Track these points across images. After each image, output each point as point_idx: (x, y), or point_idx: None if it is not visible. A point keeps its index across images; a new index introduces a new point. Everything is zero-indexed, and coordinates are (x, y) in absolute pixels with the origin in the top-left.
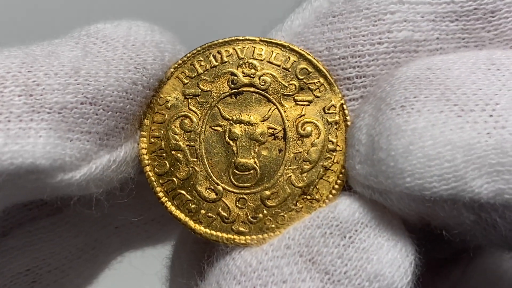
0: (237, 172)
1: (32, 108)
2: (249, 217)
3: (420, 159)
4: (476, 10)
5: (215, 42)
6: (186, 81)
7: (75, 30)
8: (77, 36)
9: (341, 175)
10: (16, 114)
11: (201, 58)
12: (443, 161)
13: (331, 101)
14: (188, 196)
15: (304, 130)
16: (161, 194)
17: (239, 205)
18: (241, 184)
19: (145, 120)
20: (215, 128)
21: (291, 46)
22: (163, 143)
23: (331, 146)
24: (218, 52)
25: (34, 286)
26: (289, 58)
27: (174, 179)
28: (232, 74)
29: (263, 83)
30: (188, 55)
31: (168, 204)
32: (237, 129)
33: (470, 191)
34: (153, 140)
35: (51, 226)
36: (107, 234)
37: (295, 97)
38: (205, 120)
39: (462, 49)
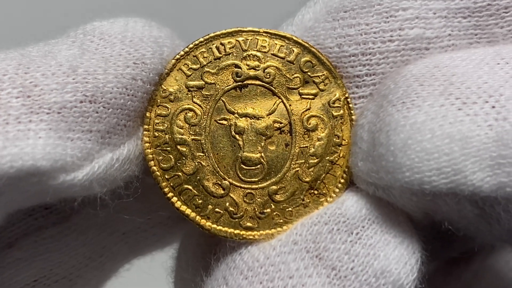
0: (244, 166)
1: (30, 109)
2: (257, 212)
3: (418, 153)
4: (490, 6)
5: (218, 33)
6: (189, 73)
7: (71, 30)
8: (73, 35)
9: (347, 169)
10: (14, 116)
11: (204, 50)
12: (442, 155)
13: (335, 94)
14: (195, 191)
15: (310, 124)
16: (167, 190)
17: (247, 200)
18: (248, 179)
19: (148, 113)
20: (221, 121)
21: (294, 38)
22: (167, 137)
23: (336, 140)
24: (221, 44)
25: None
26: (293, 50)
27: (180, 174)
28: (236, 66)
29: (268, 76)
30: (190, 46)
31: (175, 199)
32: (243, 123)
33: (471, 184)
34: (157, 134)
35: (58, 235)
36: (115, 241)
37: (300, 91)
38: (210, 114)
39: (475, 45)
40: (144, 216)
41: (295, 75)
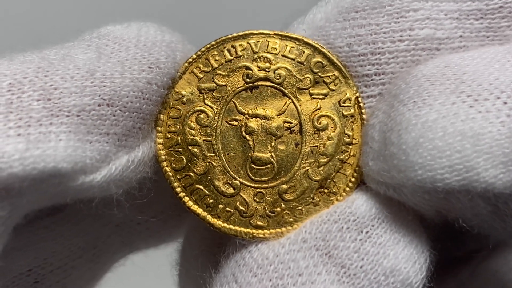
0: (254, 166)
1: (51, 112)
2: (267, 211)
3: (430, 151)
4: (502, 8)
5: (229, 36)
6: (201, 76)
7: (85, 33)
8: (88, 38)
9: (357, 168)
10: (35, 118)
11: (216, 53)
12: (454, 152)
13: (346, 94)
14: (206, 191)
15: (320, 123)
16: (178, 189)
17: (257, 199)
18: (258, 178)
19: (161, 115)
20: (231, 122)
21: (305, 40)
22: (179, 138)
23: (347, 140)
24: (233, 46)
25: (37, 286)
26: (304, 51)
27: (191, 174)
28: (247, 68)
29: (278, 77)
30: (203, 49)
31: (186, 199)
32: (253, 123)
33: (483, 181)
34: (169, 135)
35: (52, 225)
36: (108, 232)
37: (310, 91)
38: (221, 115)
39: (486, 47)
40: (138, 210)
41: (306, 76)
